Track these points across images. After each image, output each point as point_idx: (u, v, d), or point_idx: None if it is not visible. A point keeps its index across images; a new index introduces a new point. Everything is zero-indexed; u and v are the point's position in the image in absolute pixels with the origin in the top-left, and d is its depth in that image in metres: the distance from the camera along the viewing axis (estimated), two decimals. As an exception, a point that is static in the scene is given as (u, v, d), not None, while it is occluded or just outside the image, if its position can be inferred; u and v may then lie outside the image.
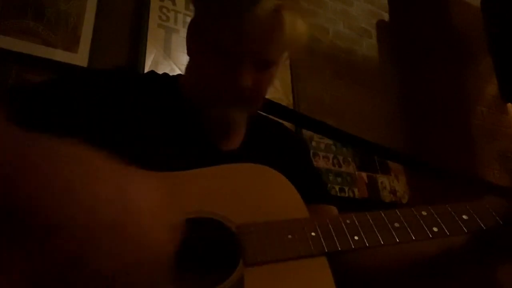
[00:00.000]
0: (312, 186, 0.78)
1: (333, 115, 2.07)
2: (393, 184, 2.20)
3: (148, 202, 0.36)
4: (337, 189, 1.95)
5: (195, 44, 0.72)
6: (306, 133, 1.93)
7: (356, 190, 2.02)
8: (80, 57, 1.41)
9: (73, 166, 0.34)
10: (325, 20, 2.32)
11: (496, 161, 2.30)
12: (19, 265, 0.32)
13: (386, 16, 2.66)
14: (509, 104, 2.49)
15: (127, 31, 1.58)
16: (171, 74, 0.81)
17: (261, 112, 0.84)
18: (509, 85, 2.35)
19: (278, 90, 1.93)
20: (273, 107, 1.81)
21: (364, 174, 2.09)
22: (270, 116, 0.90)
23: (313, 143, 1.95)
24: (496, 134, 2.34)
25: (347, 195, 1.97)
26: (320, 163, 1.93)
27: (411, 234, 0.58)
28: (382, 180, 2.16)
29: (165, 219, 0.37)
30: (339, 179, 1.97)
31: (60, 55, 1.38)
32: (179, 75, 0.80)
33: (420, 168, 2.24)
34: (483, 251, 0.64)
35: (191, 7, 0.76)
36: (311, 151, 1.92)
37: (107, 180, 0.35)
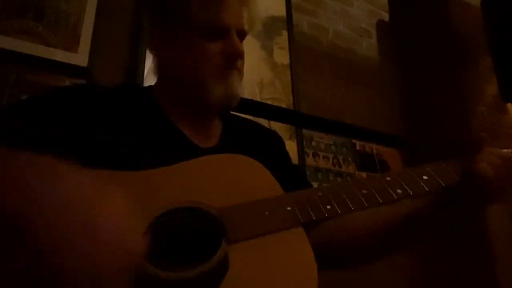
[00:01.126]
0: (291, 178, 0.82)
1: (333, 115, 2.07)
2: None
3: (116, 209, 0.39)
4: (337, 189, 1.95)
5: (178, 41, 0.77)
6: (306, 133, 1.93)
7: (349, 179, 2.01)
8: (80, 57, 1.41)
9: (45, 181, 0.37)
10: (325, 20, 2.32)
11: (496, 161, 2.30)
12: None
13: (386, 16, 2.66)
14: (509, 104, 2.48)
15: (127, 31, 1.58)
16: None
17: (234, 113, 0.90)
18: (509, 85, 2.35)
19: (278, 90, 1.93)
20: (269, 109, 1.82)
21: (364, 174, 2.09)
22: (242, 115, 0.96)
23: (313, 143, 1.95)
24: (496, 134, 2.34)
25: (347, 195, 1.97)
26: (320, 163, 1.93)
27: (378, 197, 0.62)
28: (382, 180, 2.16)
29: (134, 222, 0.40)
30: (339, 179, 1.97)
31: (60, 55, 1.38)
32: (150, 86, 0.84)
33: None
34: (446, 209, 0.69)
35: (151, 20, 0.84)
36: (311, 151, 1.92)
37: (75, 191, 0.38)
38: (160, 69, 0.81)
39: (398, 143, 2.27)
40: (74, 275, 0.34)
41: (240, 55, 0.76)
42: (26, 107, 0.67)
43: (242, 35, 0.78)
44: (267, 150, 0.84)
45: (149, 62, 1.55)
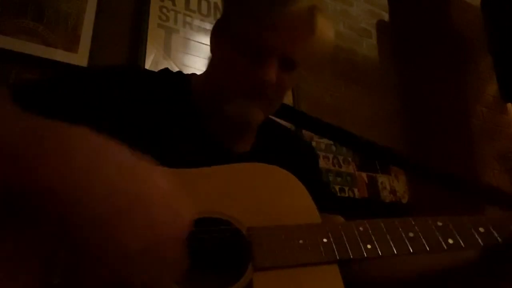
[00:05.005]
0: (319, 194, 0.77)
1: (333, 115, 2.07)
2: (393, 184, 2.20)
3: (165, 184, 0.39)
4: (337, 189, 1.95)
5: (223, 39, 0.71)
6: (306, 133, 1.93)
7: (356, 190, 2.02)
8: (80, 57, 1.40)
9: (87, 151, 0.37)
10: (325, 20, 2.32)
11: (496, 161, 2.30)
12: (31, 250, 0.35)
13: (386, 16, 2.66)
14: (509, 104, 2.48)
15: (127, 31, 1.58)
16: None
17: (270, 117, 0.83)
18: (509, 85, 2.35)
19: (278, 90, 1.93)
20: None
21: (364, 174, 2.09)
22: (279, 121, 0.89)
23: (313, 143, 1.95)
24: (496, 134, 2.34)
25: (347, 195, 1.97)
26: (320, 163, 1.93)
27: (426, 245, 0.56)
28: (382, 180, 2.16)
29: (182, 201, 0.40)
30: (339, 179, 1.97)
31: (60, 55, 1.38)
32: (193, 74, 0.80)
33: (422, 174, 2.23)
34: (498, 265, 0.62)
35: (219, 5, 0.76)
36: (311, 151, 1.92)
37: (122, 165, 0.37)
38: (207, 65, 0.76)
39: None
40: (131, 244, 0.35)
41: (267, 86, 0.65)
42: (64, 84, 0.64)
43: (289, 64, 0.67)
44: (299, 163, 0.79)
45: (149, 62, 1.55)
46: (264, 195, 0.58)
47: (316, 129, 1.95)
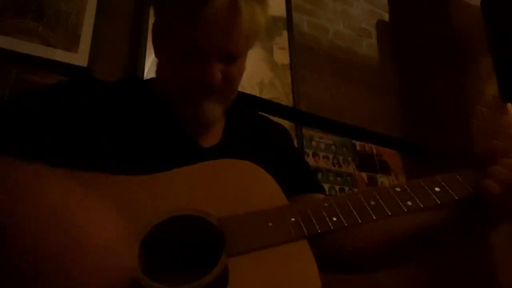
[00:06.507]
0: (297, 176, 0.79)
1: (333, 115, 2.07)
2: (393, 184, 2.19)
3: (103, 222, 0.37)
4: (337, 189, 1.95)
5: (161, 45, 0.72)
6: (306, 133, 1.93)
7: (356, 190, 2.02)
8: (80, 57, 1.40)
9: (25, 204, 0.35)
10: (325, 20, 2.32)
11: (496, 161, 2.30)
12: None
13: (386, 16, 2.66)
14: (509, 104, 2.48)
15: (127, 31, 1.58)
16: None
17: (238, 105, 0.83)
18: (509, 85, 2.35)
19: (278, 90, 1.93)
20: (271, 106, 1.81)
21: (364, 174, 2.09)
22: (247, 108, 0.90)
23: (313, 143, 1.95)
24: (496, 134, 2.34)
25: (347, 195, 1.97)
26: (320, 163, 1.93)
27: (387, 210, 0.60)
28: (382, 180, 2.16)
29: (126, 233, 0.38)
30: (339, 179, 1.97)
31: (60, 55, 1.38)
32: (151, 78, 0.81)
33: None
34: (464, 222, 0.66)
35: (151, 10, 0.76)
36: (311, 151, 1.92)
37: (60, 203, 0.36)
38: (156, 67, 0.78)
39: (400, 146, 2.26)
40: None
41: (213, 86, 0.67)
42: (17, 108, 0.63)
43: (230, 57, 0.68)
44: (272, 146, 0.80)
45: (149, 62, 1.55)
46: (230, 187, 0.61)
47: (316, 124, 1.95)
